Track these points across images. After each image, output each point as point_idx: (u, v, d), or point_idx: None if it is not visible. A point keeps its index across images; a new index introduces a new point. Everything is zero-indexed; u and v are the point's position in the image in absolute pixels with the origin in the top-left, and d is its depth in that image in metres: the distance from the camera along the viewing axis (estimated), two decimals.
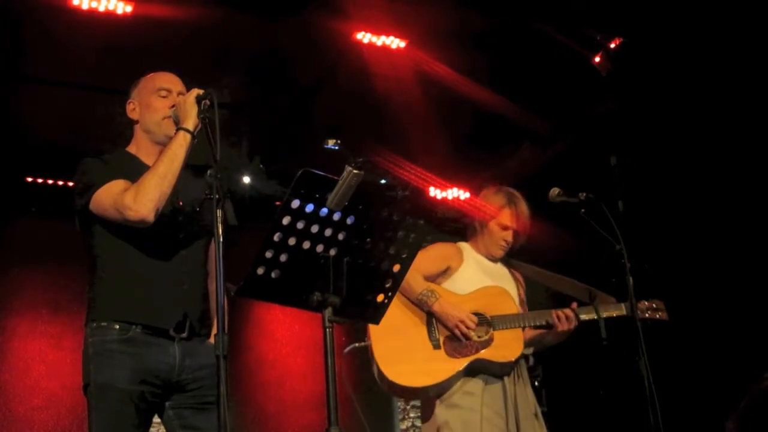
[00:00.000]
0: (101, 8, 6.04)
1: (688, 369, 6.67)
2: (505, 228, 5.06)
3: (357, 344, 5.21)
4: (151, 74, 3.96)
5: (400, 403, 9.20)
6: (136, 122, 3.89)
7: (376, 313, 3.45)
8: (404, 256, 3.33)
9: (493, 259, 5.14)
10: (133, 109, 3.90)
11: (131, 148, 3.90)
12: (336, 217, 3.12)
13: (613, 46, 6.88)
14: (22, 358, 7.94)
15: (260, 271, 3.06)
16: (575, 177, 5.73)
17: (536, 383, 7.09)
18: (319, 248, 3.14)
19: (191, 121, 3.55)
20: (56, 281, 8.05)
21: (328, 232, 3.13)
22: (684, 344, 6.70)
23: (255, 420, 8.58)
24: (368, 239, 3.22)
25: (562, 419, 7.27)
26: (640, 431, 4.28)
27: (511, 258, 5.26)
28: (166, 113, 3.77)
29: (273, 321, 9.13)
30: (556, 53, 6.92)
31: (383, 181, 8.37)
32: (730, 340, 6.60)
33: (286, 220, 3.04)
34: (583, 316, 4.85)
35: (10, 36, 6.31)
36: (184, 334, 3.65)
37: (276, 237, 3.04)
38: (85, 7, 6.02)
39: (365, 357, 4.89)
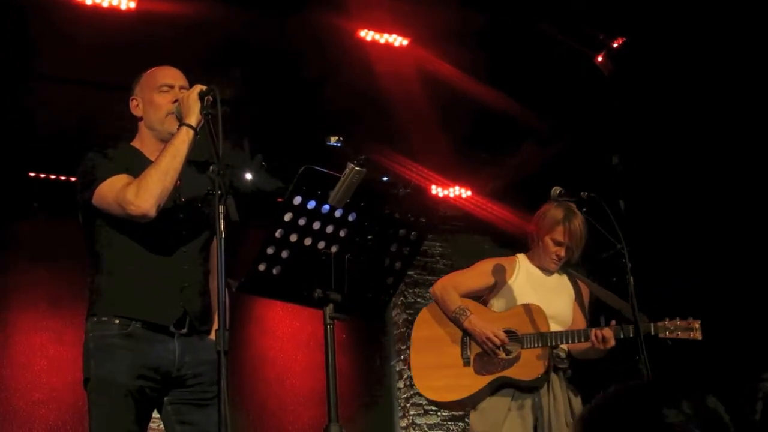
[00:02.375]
0: (105, 3, 6.04)
1: (688, 368, 6.66)
2: (558, 243, 5.06)
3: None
4: (153, 69, 3.95)
5: (400, 401, 9.21)
6: (140, 119, 3.89)
7: (377, 311, 3.46)
8: (405, 253, 3.33)
9: (549, 271, 5.18)
10: (136, 106, 3.89)
11: (135, 143, 3.90)
12: (338, 214, 3.12)
13: (615, 45, 6.88)
14: (23, 353, 7.95)
15: (262, 267, 3.07)
16: (577, 176, 5.74)
17: None
18: (321, 245, 3.15)
19: (194, 117, 3.55)
20: (58, 276, 8.06)
21: (329, 228, 3.14)
22: (684, 343, 6.70)
23: (255, 417, 8.59)
24: (370, 236, 3.23)
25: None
26: None
27: (573, 270, 5.28)
28: (169, 109, 3.77)
29: (274, 318, 9.14)
30: (558, 52, 6.92)
31: (385, 179, 8.41)
32: (731, 339, 6.60)
33: (287, 217, 3.05)
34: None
35: (14, 31, 6.32)
36: (184, 330, 3.66)
37: (278, 233, 3.05)
38: (89, 2, 6.02)
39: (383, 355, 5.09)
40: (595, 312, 5.27)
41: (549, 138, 8.05)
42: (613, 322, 4.83)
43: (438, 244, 9.90)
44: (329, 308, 3.14)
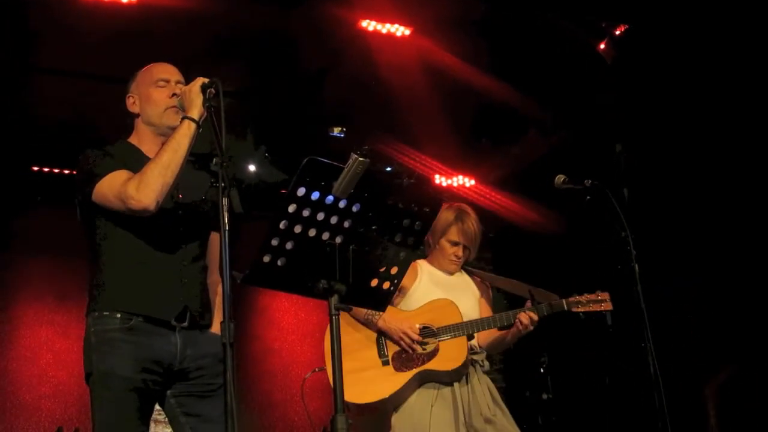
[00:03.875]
0: None
1: (694, 355, 6.67)
2: (454, 244, 5.16)
3: (316, 369, 5.34)
4: (148, 66, 3.94)
5: None
6: (137, 116, 3.89)
7: (382, 300, 3.46)
8: (410, 243, 3.33)
9: (450, 273, 5.26)
10: (133, 103, 3.88)
11: (133, 140, 3.90)
12: (341, 204, 3.12)
13: (618, 33, 6.87)
14: (29, 347, 7.97)
15: (266, 258, 3.07)
16: (580, 164, 5.73)
17: (541, 370, 7.12)
18: (325, 236, 3.15)
19: (196, 110, 3.54)
20: (63, 270, 8.07)
21: (333, 219, 3.14)
22: (689, 330, 6.70)
23: (261, 408, 8.61)
24: (374, 227, 3.23)
25: (568, 406, 7.28)
26: (646, 418, 4.29)
27: (468, 267, 5.37)
28: (167, 103, 3.77)
29: (279, 309, 9.15)
30: (560, 41, 6.91)
31: (388, 169, 8.40)
32: (735, 326, 6.61)
33: (291, 208, 3.04)
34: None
35: (15, 25, 6.31)
36: (185, 324, 3.66)
37: (282, 225, 3.05)
38: None
39: None
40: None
41: (552, 127, 8.04)
42: (528, 302, 4.96)
43: None
44: (334, 299, 3.15)
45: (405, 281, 5.07)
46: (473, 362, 4.98)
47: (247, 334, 8.73)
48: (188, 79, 3.78)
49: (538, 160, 8.04)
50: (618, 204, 4.43)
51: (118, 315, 3.58)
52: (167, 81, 3.83)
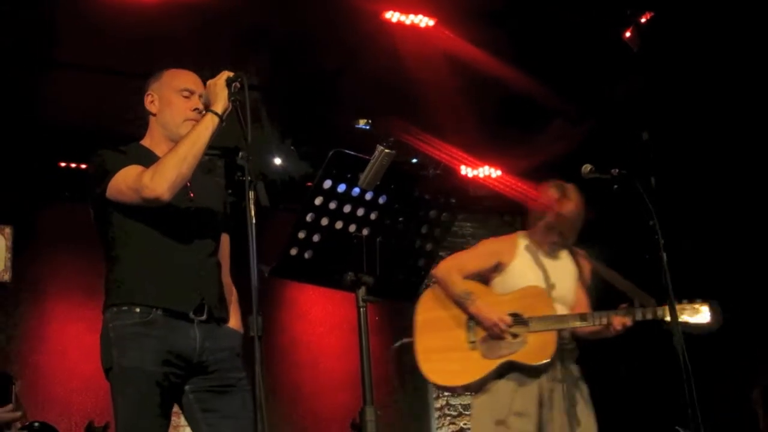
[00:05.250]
0: None
1: (723, 345, 6.63)
2: (554, 224, 5.03)
3: (405, 339, 5.33)
4: (174, 71, 3.90)
5: None
6: (153, 115, 3.87)
7: (410, 292, 3.46)
8: (436, 234, 3.33)
9: (549, 251, 5.15)
10: (151, 102, 3.85)
11: (145, 142, 3.88)
12: (368, 196, 3.13)
13: (643, 20, 6.83)
14: (59, 342, 8.03)
15: (293, 251, 3.08)
16: (607, 153, 5.70)
17: None
18: (352, 228, 3.15)
19: (221, 104, 3.52)
20: (91, 265, 8.02)
21: (360, 211, 3.14)
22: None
23: (290, 401, 8.63)
24: (400, 218, 3.23)
25: (594, 396, 7.25)
26: (675, 407, 4.27)
27: (578, 249, 5.24)
28: (187, 116, 3.74)
29: (306, 301, 9.17)
30: (585, 29, 6.88)
31: (414, 160, 8.39)
32: (764, 313, 6.57)
33: (318, 201, 3.05)
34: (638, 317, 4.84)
35: (42, 21, 6.35)
36: (203, 317, 3.66)
37: (308, 217, 3.05)
38: None
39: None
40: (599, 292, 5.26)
41: (578, 116, 8.01)
42: (626, 305, 4.82)
43: (469, 224, 9.89)
44: (362, 291, 3.14)
45: (503, 258, 5.09)
46: (562, 351, 4.90)
47: (275, 327, 8.75)
48: (211, 75, 3.77)
49: (564, 149, 8.00)
50: (645, 193, 4.40)
51: (137, 309, 3.57)
52: (192, 92, 3.79)
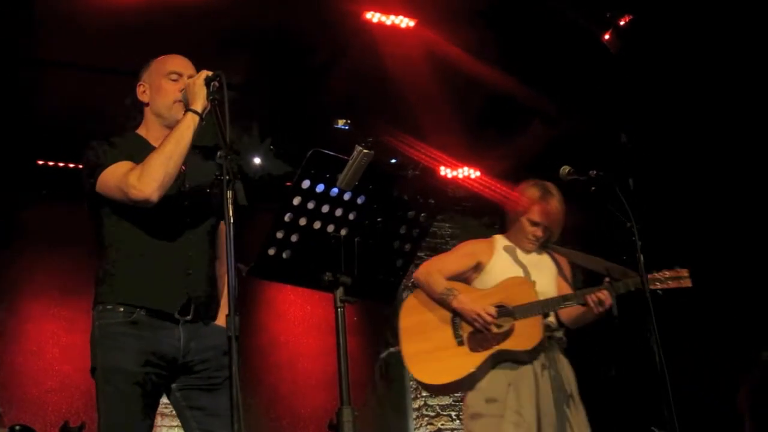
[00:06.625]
0: None
1: (700, 344, 6.67)
2: (534, 224, 5.07)
3: (392, 349, 5.34)
4: (162, 57, 3.93)
5: (412, 383, 9.22)
6: (147, 105, 3.88)
7: (388, 293, 3.45)
8: (415, 235, 3.33)
9: (527, 251, 5.17)
10: (143, 92, 3.88)
11: (141, 131, 3.89)
12: (346, 196, 3.12)
13: (622, 23, 6.85)
14: (35, 341, 7.98)
15: (271, 251, 3.07)
16: (585, 155, 5.71)
17: None
18: (330, 228, 3.15)
19: (200, 103, 3.53)
20: (68, 264, 8.07)
21: (338, 211, 3.14)
22: (695, 319, 6.70)
23: (268, 401, 8.62)
24: (379, 219, 3.23)
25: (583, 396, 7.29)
26: (652, 408, 4.28)
27: (551, 244, 5.25)
28: (176, 97, 3.76)
29: (284, 301, 9.16)
30: (565, 31, 6.90)
31: (393, 161, 8.39)
32: (741, 314, 6.60)
33: (296, 201, 3.04)
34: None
35: (19, 17, 6.31)
36: (189, 317, 3.65)
37: (287, 217, 3.05)
38: None
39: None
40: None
41: (557, 117, 8.03)
42: (607, 279, 4.81)
43: (447, 225, 9.91)
44: (339, 291, 3.14)
45: (482, 257, 5.11)
46: (552, 339, 4.94)
47: (253, 327, 8.73)
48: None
49: (543, 151, 8.02)
50: (623, 194, 4.41)
51: (121, 308, 3.56)
52: (180, 74, 3.82)
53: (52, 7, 6.18)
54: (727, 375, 6.94)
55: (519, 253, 5.16)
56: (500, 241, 5.20)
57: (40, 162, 8.14)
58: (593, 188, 4.67)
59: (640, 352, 4.33)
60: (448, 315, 4.97)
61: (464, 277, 5.11)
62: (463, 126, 8.14)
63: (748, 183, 6.75)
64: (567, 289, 5.12)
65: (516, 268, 5.06)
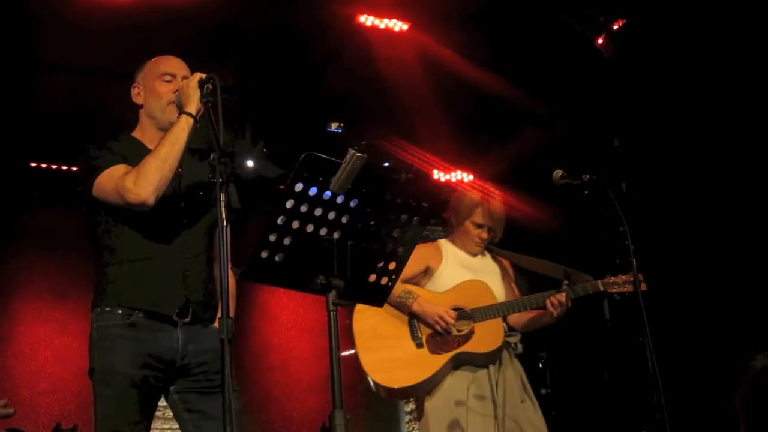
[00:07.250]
0: None
1: (692, 348, 6.68)
2: (479, 226, 5.12)
3: (345, 353, 5.31)
4: (156, 59, 3.94)
5: None
6: (141, 107, 3.89)
7: (380, 296, 3.45)
8: (408, 238, 3.33)
9: (473, 254, 5.22)
10: (137, 94, 3.88)
11: (136, 133, 3.90)
12: (339, 200, 3.12)
13: (615, 27, 6.87)
14: (27, 344, 7.97)
15: (264, 254, 3.07)
16: (579, 159, 5.73)
17: (540, 365, 7.11)
18: (323, 231, 3.14)
19: (194, 105, 3.54)
20: (61, 267, 8.07)
21: (331, 215, 3.13)
22: (687, 324, 6.70)
23: (260, 403, 8.61)
24: (372, 222, 3.22)
25: (567, 401, 7.27)
26: (644, 411, 4.29)
27: (492, 246, 5.31)
28: (170, 98, 3.76)
29: (277, 304, 9.16)
30: (558, 35, 6.91)
31: (386, 164, 8.39)
32: (734, 318, 6.61)
33: (289, 204, 3.04)
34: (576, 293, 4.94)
35: (16, 19, 6.30)
36: (187, 319, 3.66)
37: (279, 220, 3.04)
38: None
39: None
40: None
41: (551, 121, 8.04)
42: (565, 282, 4.88)
43: (440, 228, 9.89)
44: (332, 294, 3.14)
45: (431, 262, 5.12)
46: (507, 344, 4.96)
47: (245, 330, 8.73)
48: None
49: (536, 155, 8.03)
50: (616, 198, 4.42)
51: (119, 311, 3.58)
52: (173, 76, 3.82)
53: (48, 9, 6.17)
54: (719, 379, 6.94)
55: (466, 256, 5.20)
56: (446, 245, 5.24)
57: (33, 164, 8.12)
58: (586, 192, 4.69)
59: (633, 355, 4.33)
60: (404, 318, 4.95)
61: (414, 282, 5.10)
62: (456, 129, 8.14)
63: (742, 186, 6.75)
64: (514, 292, 5.19)
65: (464, 273, 5.10)
